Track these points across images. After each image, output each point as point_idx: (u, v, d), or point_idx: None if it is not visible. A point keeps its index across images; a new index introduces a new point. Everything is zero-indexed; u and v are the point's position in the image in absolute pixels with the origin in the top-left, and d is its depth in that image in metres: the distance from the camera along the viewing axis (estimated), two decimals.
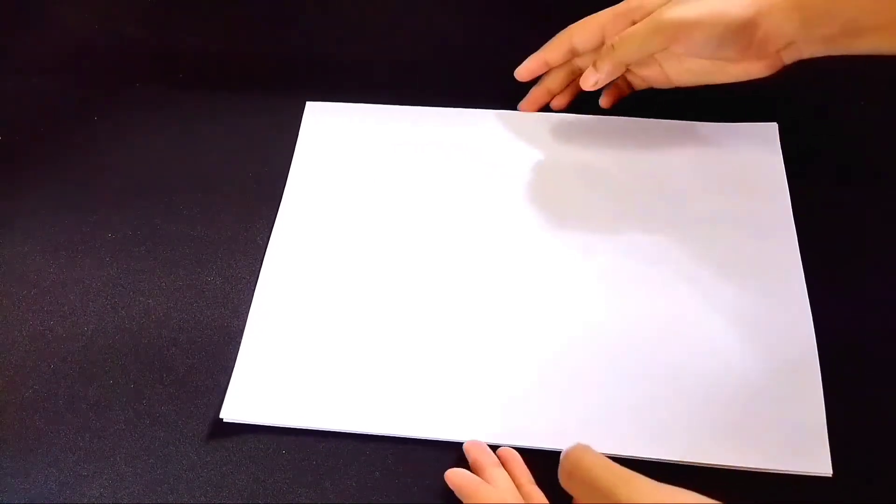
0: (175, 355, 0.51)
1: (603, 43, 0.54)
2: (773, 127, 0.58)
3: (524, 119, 0.60)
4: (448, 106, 0.61)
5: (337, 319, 0.51)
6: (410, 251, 0.54)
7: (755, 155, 0.56)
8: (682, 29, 0.50)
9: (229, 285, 0.53)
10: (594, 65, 0.54)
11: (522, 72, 0.58)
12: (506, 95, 0.61)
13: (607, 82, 0.55)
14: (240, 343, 0.50)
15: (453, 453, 0.46)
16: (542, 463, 0.44)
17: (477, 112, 0.60)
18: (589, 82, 0.54)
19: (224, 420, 0.47)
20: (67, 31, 0.68)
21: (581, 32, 0.55)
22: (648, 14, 0.52)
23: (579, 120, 0.59)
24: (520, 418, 0.47)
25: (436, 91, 0.62)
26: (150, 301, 0.53)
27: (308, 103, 0.61)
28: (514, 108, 0.60)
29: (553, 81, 0.59)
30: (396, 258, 0.53)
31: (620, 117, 0.59)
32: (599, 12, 0.55)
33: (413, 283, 0.52)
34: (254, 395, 0.48)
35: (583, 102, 0.60)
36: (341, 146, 0.59)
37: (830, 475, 0.44)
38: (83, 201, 0.58)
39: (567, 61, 0.58)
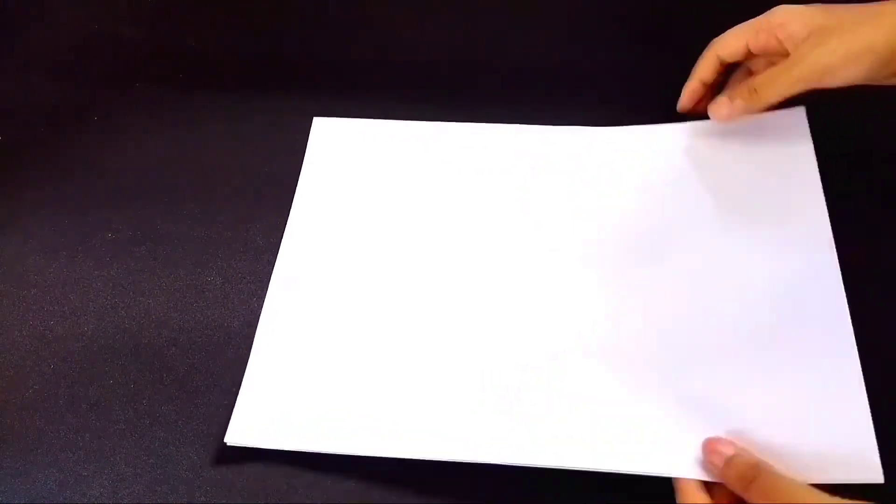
0: (175, 355, 0.51)
1: (748, 52, 0.52)
2: (801, 111, 0.56)
3: (532, 132, 0.59)
4: (456, 111, 0.60)
5: (344, 341, 0.50)
6: (419, 270, 0.53)
7: (784, 142, 0.55)
8: (826, 73, 0.48)
9: (229, 285, 0.53)
10: (730, 97, 0.52)
11: (685, 102, 0.56)
12: (517, 99, 0.61)
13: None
14: (240, 343, 0.51)
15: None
16: (548, 477, 0.44)
17: (484, 126, 0.60)
18: (721, 113, 0.53)
19: (228, 444, 0.46)
20: (67, 31, 0.68)
21: (725, 48, 0.53)
22: (790, 36, 0.49)
23: (586, 131, 0.58)
24: (535, 437, 0.46)
25: (437, 91, 0.62)
26: (150, 301, 0.53)
27: (315, 119, 0.61)
28: (525, 113, 0.60)
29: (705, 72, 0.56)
30: (405, 277, 0.53)
31: (635, 126, 0.58)
32: (739, 26, 0.52)
33: (422, 303, 0.51)
34: (259, 419, 0.47)
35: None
36: (348, 163, 0.58)
37: (882, 482, 0.42)
38: (83, 201, 0.58)
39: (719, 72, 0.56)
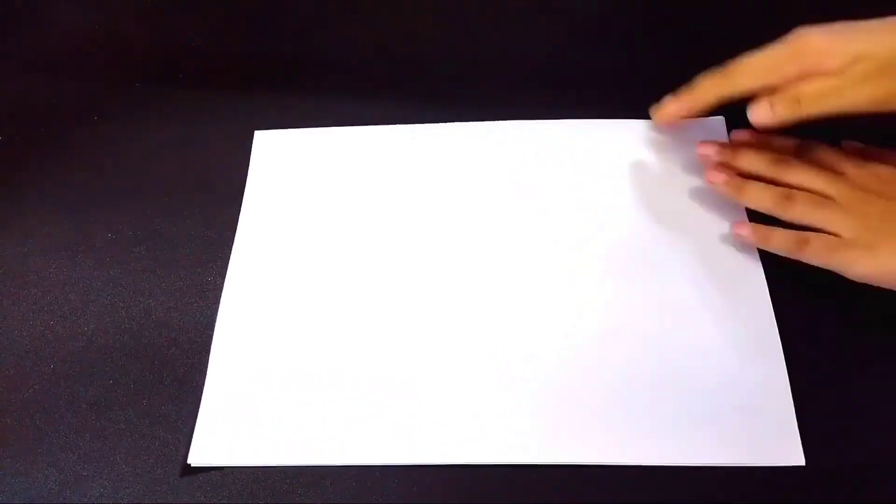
0: (175, 355, 0.51)
1: (770, 86, 0.50)
2: (721, 121, 0.58)
3: (479, 129, 0.59)
4: (443, 110, 0.60)
5: (304, 351, 0.50)
6: (373, 275, 0.52)
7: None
8: (882, 104, 0.47)
9: None
10: (771, 103, 0.49)
11: (666, 119, 0.56)
12: (499, 100, 0.61)
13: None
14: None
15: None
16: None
17: (430, 126, 0.59)
18: (762, 119, 0.50)
19: (192, 465, 0.46)
20: (67, 30, 0.68)
21: (745, 80, 0.51)
22: (831, 62, 0.47)
23: (532, 125, 0.59)
24: (496, 435, 0.46)
25: (437, 91, 0.62)
26: (151, 301, 0.53)
27: (256, 133, 0.60)
28: (512, 114, 0.60)
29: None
30: (358, 282, 0.52)
31: (572, 120, 0.59)
32: (762, 54, 0.50)
33: (383, 308, 0.51)
34: (222, 437, 0.47)
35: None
36: (293, 174, 0.58)
37: (804, 465, 0.45)
38: (83, 201, 0.58)
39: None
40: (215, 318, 0.52)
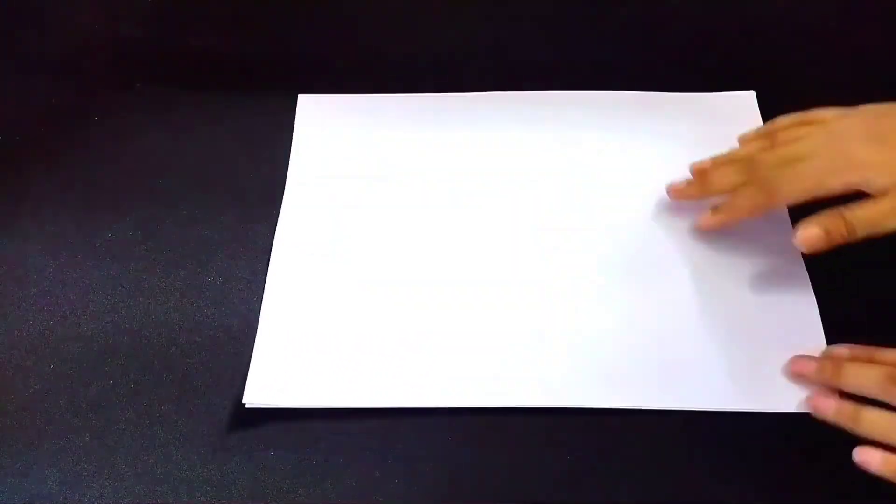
0: (175, 355, 0.51)
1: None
2: (752, 95, 0.58)
3: (517, 99, 0.61)
4: None
5: (347, 303, 0.52)
6: (413, 233, 0.55)
7: (734, 124, 0.56)
8: None
9: (229, 285, 0.53)
10: (824, 230, 0.46)
11: (679, 197, 0.55)
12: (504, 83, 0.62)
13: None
14: (240, 343, 0.50)
15: (454, 455, 0.47)
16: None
17: (469, 95, 0.61)
18: (815, 246, 0.46)
19: (247, 406, 0.47)
20: (67, 31, 0.68)
21: (788, 197, 0.49)
22: (878, 192, 0.45)
23: (566, 96, 0.61)
24: (521, 378, 0.48)
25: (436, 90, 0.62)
26: (151, 301, 0.53)
27: (300, 96, 0.62)
28: None
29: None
30: (400, 239, 0.55)
31: (603, 91, 0.60)
32: (804, 169, 0.48)
33: (416, 263, 0.54)
34: (274, 379, 0.49)
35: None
36: (338, 137, 0.60)
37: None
38: (83, 201, 0.58)
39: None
40: (215, 318, 0.52)
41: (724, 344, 0.49)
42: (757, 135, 0.53)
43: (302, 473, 0.46)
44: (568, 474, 0.46)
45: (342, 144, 0.59)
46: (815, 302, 0.50)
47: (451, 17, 0.67)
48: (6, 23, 0.68)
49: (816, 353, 0.48)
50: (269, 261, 0.54)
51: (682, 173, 0.55)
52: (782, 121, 0.53)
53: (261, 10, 0.68)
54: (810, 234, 0.46)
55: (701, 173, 0.53)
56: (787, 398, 0.47)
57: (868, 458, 0.43)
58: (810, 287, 0.51)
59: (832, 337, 0.49)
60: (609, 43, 0.64)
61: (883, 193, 0.45)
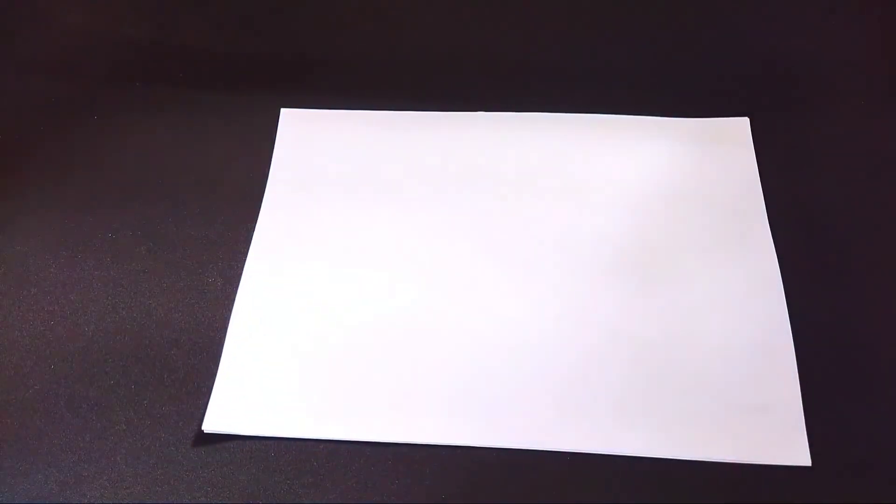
0: (176, 356, 0.51)
1: None
2: (745, 122, 0.58)
3: (500, 119, 0.60)
4: (436, 108, 0.61)
5: (319, 327, 0.51)
6: (390, 255, 0.54)
7: (727, 150, 0.57)
8: None
9: (230, 285, 0.53)
10: None
11: None
12: (495, 97, 0.61)
13: None
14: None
15: (453, 455, 0.47)
16: (528, 462, 0.45)
17: (453, 115, 0.61)
18: None
19: (205, 432, 0.47)
20: (67, 31, 0.68)
21: None
22: None
23: (554, 119, 0.60)
24: (504, 419, 0.47)
25: (430, 92, 0.62)
26: (151, 301, 0.53)
27: (283, 110, 0.61)
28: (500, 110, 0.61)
29: None
30: (376, 263, 0.54)
31: (593, 115, 0.60)
32: None
33: (393, 288, 0.52)
34: (237, 406, 0.48)
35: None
36: (317, 152, 0.59)
37: (809, 465, 0.45)
38: (83, 201, 0.58)
39: None
40: (215, 318, 0.52)
41: (697, 389, 0.47)
42: None
43: (302, 473, 0.46)
44: None
45: (322, 161, 0.59)
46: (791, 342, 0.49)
47: (451, 20, 0.67)
48: (6, 23, 0.68)
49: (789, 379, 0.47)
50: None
51: (673, 199, 0.55)
52: None
53: (261, 10, 0.68)
54: None
55: None
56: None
57: None
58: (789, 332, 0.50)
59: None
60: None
61: None
